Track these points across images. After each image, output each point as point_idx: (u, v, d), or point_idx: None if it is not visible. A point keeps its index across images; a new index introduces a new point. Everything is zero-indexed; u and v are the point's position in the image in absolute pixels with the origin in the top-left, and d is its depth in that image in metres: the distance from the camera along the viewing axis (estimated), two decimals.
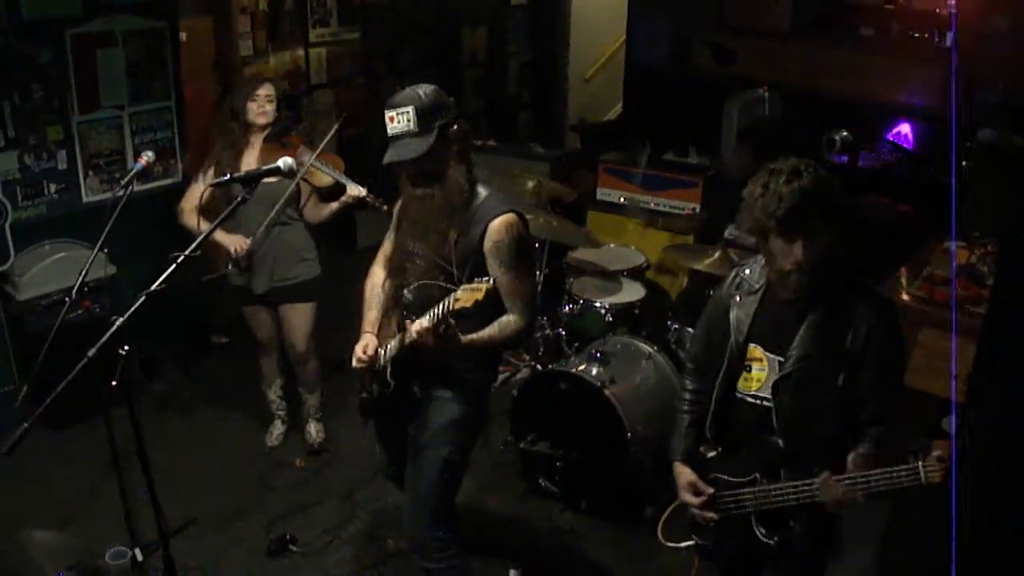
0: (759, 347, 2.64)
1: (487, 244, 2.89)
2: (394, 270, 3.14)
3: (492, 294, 2.63)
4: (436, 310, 2.73)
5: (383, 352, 3.10)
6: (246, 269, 4.26)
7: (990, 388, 2.64)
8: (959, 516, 2.32)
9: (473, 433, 3.27)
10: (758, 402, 2.63)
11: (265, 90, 4.18)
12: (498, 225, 2.88)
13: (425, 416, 3.13)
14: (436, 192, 2.90)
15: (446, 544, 3.24)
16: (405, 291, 3.07)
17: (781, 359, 2.57)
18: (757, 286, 2.66)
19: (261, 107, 4.16)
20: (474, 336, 2.92)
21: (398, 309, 3.11)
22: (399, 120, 2.82)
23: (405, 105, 2.82)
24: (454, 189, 2.91)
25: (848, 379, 2.50)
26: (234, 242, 4.15)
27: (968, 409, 2.79)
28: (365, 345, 3.11)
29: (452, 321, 2.73)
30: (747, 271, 2.72)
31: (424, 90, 2.87)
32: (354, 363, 3.12)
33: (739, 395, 2.68)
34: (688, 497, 2.79)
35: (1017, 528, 2.76)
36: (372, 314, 3.22)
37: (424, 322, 2.78)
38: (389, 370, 3.08)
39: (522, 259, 2.96)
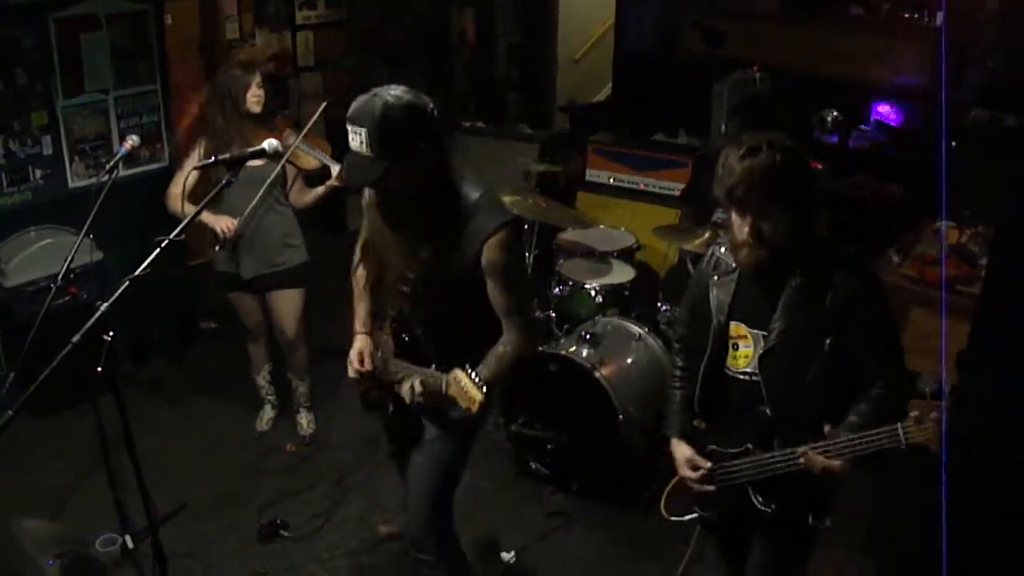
0: (742, 324, 2.64)
1: (484, 263, 2.71)
2: (374, 281, 3.01)
3: (480, 408, 2.61)
4: (431, 381, 2.71)
5: (379, 363, 3.01)
6: (233, 250, 4.23)
7: (983, 369, 2.64)
8: (949, 492, 2.33)
9: (477, 426, 3.15)
10: (748, 378, 2.63)
11: (258, 78, 4.14)
12: (495, 244, 2.69)
13: (432, 417, 3.04)
14: (406, 207, 2.72)
15: (441, 554, 3.17)
16: (389, 307, 2.98)
17: (765, 334, 2.57)
18: (734, 264, 2.65)
19: (256, 96, 4.12)
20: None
21: (391, 314, 3.00)
22: (353, 137, 2.53)
23: (360, 124, 2.50)
24: (419, 208, 2.70)
25: (833, 343, 2.49)
26: (221, 223, 4.11)
27: (960, 388, 2.80)
28: (359, 352, 3.01)
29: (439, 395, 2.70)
30: (723, 249, 2.72)
31: (387, 103, 2.50)
32: (350, 373, 3.03)
33: (729, 373, 2.68)
34: (687, 472, 2.79)
35: (1008, 505, 2.77)
36: (362, 309, 3.09)
37: (416, 385, 2.76)
38: (390, 407, 3.05)
39: (519, 276, 2.88)
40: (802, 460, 2.47)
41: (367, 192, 2.85)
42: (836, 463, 2.43)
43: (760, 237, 2.44)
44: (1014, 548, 2.93)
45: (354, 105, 2.54)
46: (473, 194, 2.74)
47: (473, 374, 2.62)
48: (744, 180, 2.37)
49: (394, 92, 2.54)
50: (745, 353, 2.63)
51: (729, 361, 2.68)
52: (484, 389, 2.58)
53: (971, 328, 2.68)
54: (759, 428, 2.62)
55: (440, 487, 3.13)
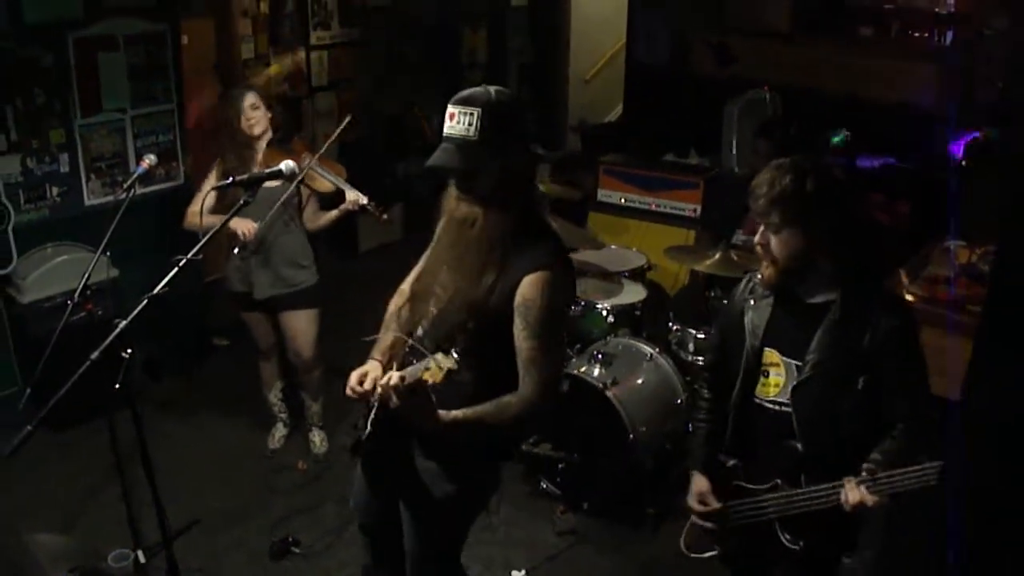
0: (775, 351, 2.62)
1: (517, 299, 2.44)
2: (417, 294, 2.68)
3: (451, 376, 2.24)
4: (412, 369, 2.35)
5: (379, 387, 2.55)
6: (246, 265, 4.27)
7: (986, 385, 2.64)
8: (956, 512, 2.33)
9: (472, 510, 2.85)
10: (777, 408, 2.61)
11: (249, 100, 4.16)
12: (532, 281, 2.42)
13: (413, 487, 2.69)
14: (479, 220, 2.45)
15: None
16: (422, 321, 2.64)
17: (798, 363, 2.55)
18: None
19: (249, 119, 4.15)
20: (459, 414, 2.43)
21: (408, 343, 2.65)
22: (460, 119, 2.37)
23: (472, 104, 2.37)
24: (500, 222, 2.45)
25: (868, 382, 2.48)
26: (243, 226, 4.12)
27: (965, 405, 2.79)
28: (363, 374, 2.63)
29: (420, 392, 2.30)
30: (760, 275, 2.71)
31: (499, 92, 2.42)
32: (347, 391, 2.64)
33: (757, 401, 2.66)
34: (694, 505, 2.79)
35: (1015, 523, 2.77)
36: (386, 339, 2.74)
37: (394, 377, 2.34)
38: (372, 414, 2.60)
39: (551, 329, 2.47)
40: (845, 494, 2.42)
41: (446, 204, 2.59)
42: (874, 498, 2.38)
43: (768, 252, 2.47)
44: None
45: (463, 93, 2.43)
46: (545, 230, 2.55)
47: (454, 352, 2.30)
48: (756, 193, 2.44)
49: (502, 88, 2.48)
50: (776, 381, 2.61)
51: (759, 389, 2.66)
52: (456, 361, 2.25)
53: (974, 343, 2.69)
54: (788, 463, 2.59)
55: (439, 558, 2.89)
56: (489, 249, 2.45)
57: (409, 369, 2.47)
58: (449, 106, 2.41)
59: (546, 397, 2.49)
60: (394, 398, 2.34)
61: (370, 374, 2.63)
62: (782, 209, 2.42)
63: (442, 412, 2.40)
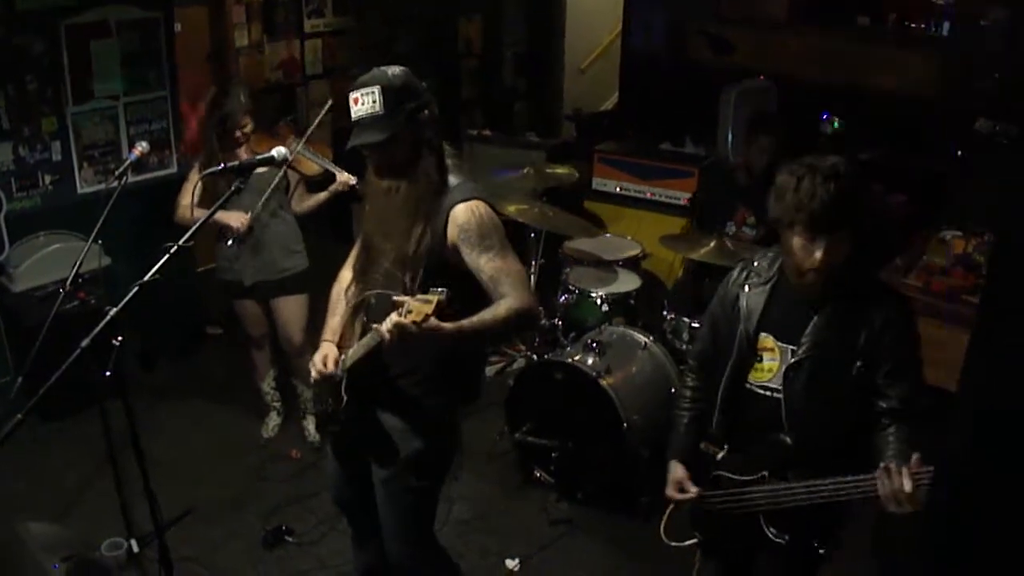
0: (770, 336, 2.61)
1: (451, 232, 2.62)
2: (359, 271, 2.87)
3: (444, 306, 2.32)
4: (389, 320, 2.40)
5: (343, 360, 2.81)
6: (237, 253, 4.27)
7: (984, 379, 2.63)
8: (949, 508, 2.31)
9: (439, 468, 2.97)
10: (768, 393, 2.60)
11: (244, 121, 4.18)
12: (460, 211, 2.62)
13: (382, 448, 2.84)
14: (403, 185, 2.65)
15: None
16: (370, 295, 2.79)
17: (793, 348, 2.55)
18: (768, 275, 2.64)
19: (241, 133, 4.18)
20: (464, 323, 2.50)
21: (360, 314, 2.84)
22: (364, 101, 2.57)
23: (371, 85, 2.57)
24: (423, 181, 2.65)
25: (862, 370, 2.47)
26: (235, 218, 4.14)
27: (961, 398, 2.78)
28: (324, 356, 2.82)
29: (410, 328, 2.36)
30: (756, 263, 2.69)
31: (392, 71, 2.62)
32: (312, 376, 2.86)
33: (749, 386, 2.65)
34: (672, 493, 2.79)
35: (1012, 519, 2.76)
36: (334, 321, 2.93)
37: (391, 322, 2.39)
38: (344, 383, 2.80)
39: (495, 238, 2.64)
40: (892, 481, 2.28)
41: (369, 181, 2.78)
42: (919, 492, 2.25)
43: (829, 263, 2.41)
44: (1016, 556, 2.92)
45: (360, 79, 2.62)
46: (455, 180, 2.73)
47: (441, 291, 2.36)
48: (832, 204, 2.34)
49: (394, 67, 2.66)
50: (770, 367, 2.61)
51: (752, 374, 2.65)
52: (443, 295, 2.33)
53: (971, 334, 2.67)
54: (777, 457, 2.58)
55: (408, 524, 3.00)
56: (415, 209, 2.65)
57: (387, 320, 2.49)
58: (350, 94, 2.60)
59: (526, 297, 2.63)
60: (410, 327, 2.35)
61: (329, 355, 2.82)
62: (847, 216, 2.37)
63: (446, 324, 2.43)
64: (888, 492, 2.29)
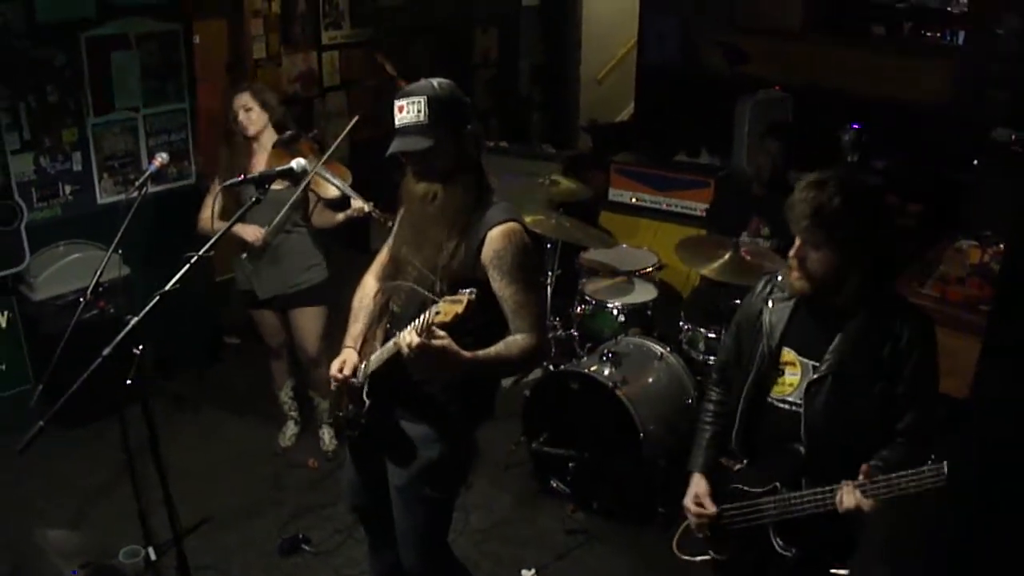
0: (792, 351, 2.61)
1: (486, 253, 2.61)
2: (386, 279, 2.86)
3: (474, 307, 2.30)
4: (418, 322, 2.40)
5: (363, 367, 2.82)
6: (254, 267, 4.29)
7: (994, 388, 2.63)
8: (962, 514, 2.31)
9: (457, 476, 3.00)
10: (789, 407, 2.60)
11: (240, 101, 4.20)
12: (498, 234, 2.60)
13: (401, 453, 2.84)
14: (439, 194, 2.63)
15: None
16: (392, 303, 2.80)
17: (816, 363, 2.55)
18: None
19: (241, 120, 4.20)
20: (480, 353, 2.54)
21: (383, 322, 2.84)
22: (408, 110, 2.58)
23: (417, 95, 2.58)
24: (458, 195, 2.64)
25: (885, 389, 2.47)
26: (250, 232, 4.17)
27: (973, 407, 2.78)
28: (343, 362, 2.84)
29: (439, 333, 2.36)
30: (780, 277, 2.70)
31: (440, 83, 2.63)
32: (331, 381, 2.87)
33: (770, 400, 2.64)
34: (691, 506, 2.78)
35: (1021, 526, 2.75)
36: (356, 327, 2.94)
37: (414, 335, 2.38)
38: (366, 388, 2.81)
39: (527, 271, 2.67)
40: (841, 496, 2.42)
41: (405, 188, 2.77)
42: (869, 502, 2.37)
43: (804, 266, 2.45)
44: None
45: (406, 88, 2.64)
46: (495, 200, 2.72)
47: (471, 291, 2.34)
48: (799, 209, 2.42)
49: (442, 79, 2.68)
50: (791, 381, 2.61)
51: (774, 388, 2.65)
52: (472, 295, 2.31)
53: (983, 343, 2.67)
54: (790, 467, 2.58)
55: (423, 532, 3.00)
56: (451, 221, 2.64)
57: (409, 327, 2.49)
58: (396, 101, 2.61)
59: (541, 335, 2.68)
60: (432, 340, 2.37)
61: (348, 361, 2.84)
62: (826, 230, 2.40)
63: (464, 352, 2.47)
64: (840, 504, 2.42)
